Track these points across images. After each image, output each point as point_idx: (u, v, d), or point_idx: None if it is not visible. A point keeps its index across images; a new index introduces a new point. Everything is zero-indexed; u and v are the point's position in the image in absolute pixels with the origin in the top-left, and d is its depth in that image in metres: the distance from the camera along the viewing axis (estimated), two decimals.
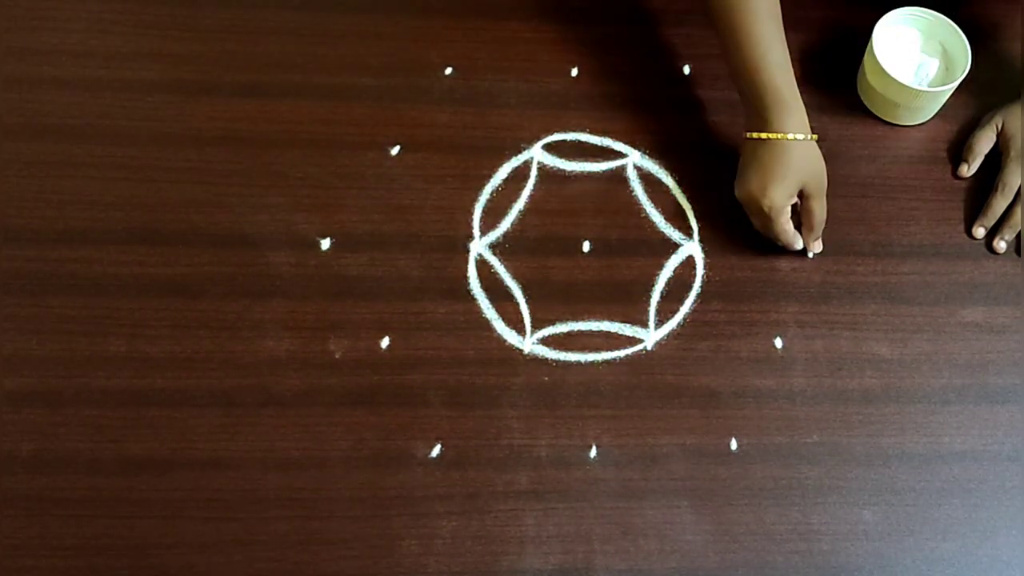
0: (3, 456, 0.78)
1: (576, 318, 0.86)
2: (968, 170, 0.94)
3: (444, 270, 0.87)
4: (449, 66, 0.96)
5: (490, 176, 0.92)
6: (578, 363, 0.85)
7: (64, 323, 0.82)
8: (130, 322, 0.83)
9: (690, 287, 0.88)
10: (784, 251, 0.90)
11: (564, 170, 0.93)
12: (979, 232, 0.92)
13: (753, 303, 0.88)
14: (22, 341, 0.82)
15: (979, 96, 0.97)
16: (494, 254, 0.88)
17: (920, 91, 0.92)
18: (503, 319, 0.86)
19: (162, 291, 0.84)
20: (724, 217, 0.91)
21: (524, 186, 0.91)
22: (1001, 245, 0.92)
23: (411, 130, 0.93)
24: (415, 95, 0.94)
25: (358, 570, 0.76)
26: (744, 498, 0.81)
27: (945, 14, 0.95)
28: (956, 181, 0.95)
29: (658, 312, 0.87)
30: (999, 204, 0.92)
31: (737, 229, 0.90)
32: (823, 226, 0.88)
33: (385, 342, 0.84)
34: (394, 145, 0.92)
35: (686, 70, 0.98)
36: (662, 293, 0.88)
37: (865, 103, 0.97)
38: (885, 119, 0.97)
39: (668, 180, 0.93)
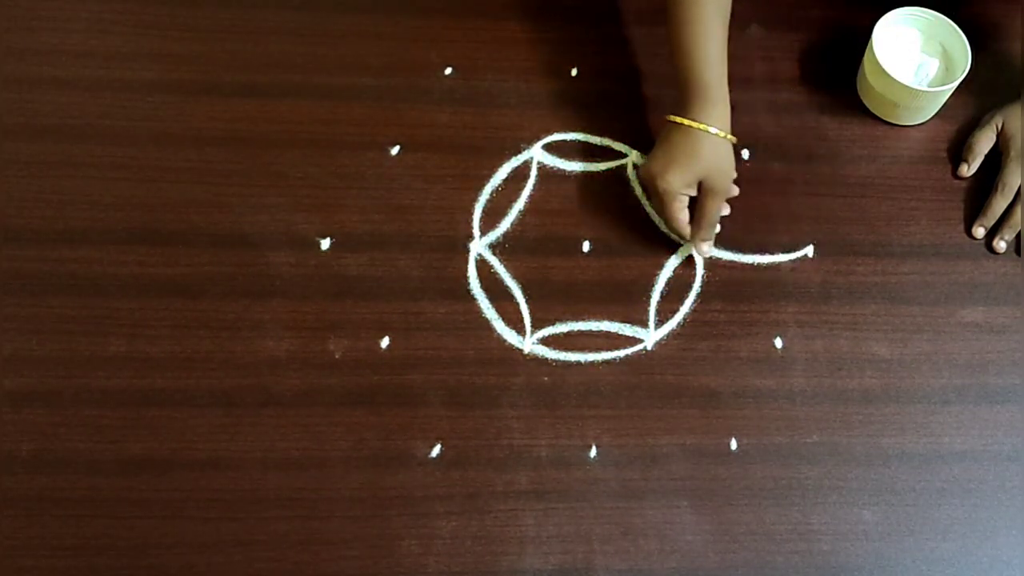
0: (3, 456, 0.78)
1: (576, 318, 0.86)
2: (968, 170, 0.94)
3: (444, 270, 0.87)
4: (449, 66, 0.96)
5: (490, 176, 0.92)
6: (578, 363, 0.85)
7: (64, 323, 0.82)
8: (130, 322, 0.83)
9: (690, 287, 0.88)
10: (784, 251, 0.90)
11: (564, 170, 0.93)
12: (979, 232, 0.92)
13: (753, 303, 0.88)
14: (22, 341, 0.82)
15: (979, 96, 0.97)
16: (494, 254, 0.88)
17: (920, 91, 0.92)
18: (503, 319, 0.86)
19: (162, 291, 0.84)
20: (724, 217, 0.91)
21: (524, 186, 0.91)
22: (1001, 245, 0.92)
23: (411, 130, 0.93)
24: (415, 95, 0.94)
25: (358, 570, 0.76)
26: (744, 498, 0.81)
27: (945, 14, 0.95)
28: (956, 181, 0.95)
29: (658, 312, 0.87)
30: (999, 204, 0.92)
31: (737, 229, 0.90)
32: (714, 228, 0.88)
33: (385, 342, 0.84)
34: (394, 145, 0.92)
35: None
36: (662, 293, 0.88)
37: (865, 103, 0.97)
38: (885, 119, 0.97)
39: None
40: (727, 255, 0.90)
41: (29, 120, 0.90)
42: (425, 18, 0.99)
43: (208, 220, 0.87)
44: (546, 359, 0.85)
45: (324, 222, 0.88)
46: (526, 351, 0.85)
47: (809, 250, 0.91)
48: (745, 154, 0.94)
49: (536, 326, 0.86)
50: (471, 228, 0.89)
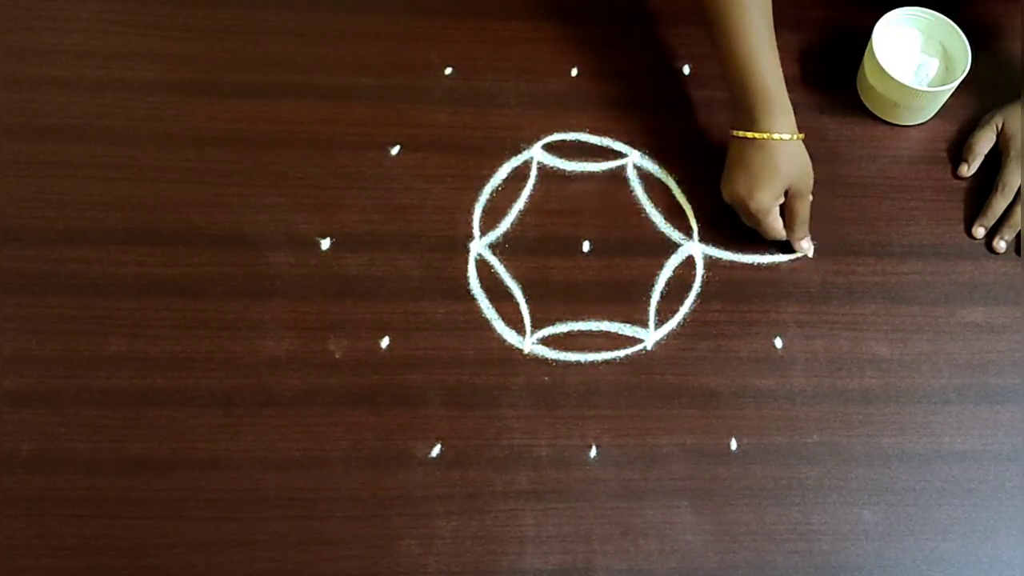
0: (3, 456, 0.78)
1: (576, 318, 0.86)
2: (968, 170, 0.94)
3: (444, 270, 0.87)
4: (449, 66, 0.96)
5: (490, 176, 0.92)
6: (578, 363, 0.85)
7: (64, 323, 0.82)
8: (130, 322, 0.83)
9: (690, 287, 0.88)
10: (784, 251, 0.90)
11: (564, 170, 0.93)
12: (979, 232, 0.92)
13: (753, 303, 0.88)
14: (22, 341, 0.82)
15: (979, 96, 0.97)
16: (494, 254, 0.88)
17: (920, 91, 0.92)
18: (503, 319, 0.86)
19: (162, 291, 0.84)
20: (724, 217, 0.91)
21: (524, 186, 0.91)
22: (1001, 245, 0.92)
23: (411, 130, 0.93)
24: (415, 95, 0.94)
25: (358, 570, 0.76)
26: (744, 498, 0.81)
27: (945, 14, 0.95)
28: (956, 181, 0.95)
29: (658, 312, 0.87)
30: (999, 204, 0.92)
31: (737, 229, 0.90)
32: (807, 225, 0.88)
33: (385, 342, 0.84)
34: (394, 145, 0.92)
35: (686, 70, 0.98)
36: (662, 293, 0.88)
37: (865, 103, 0.97)
38: (885, 119, 0.97)
39: (668, 180, 0.93)
40: (727, 255, 0.90)
41: (29, 120, 0.90)
42: (425, 18, 0.99)
43: (208, 220, 0.87)
44: (546, 359, 0.85)
45: (324, 222, 0.88)
46: (526, 351, 0.85)
47: (809, 250, 0.91)
48: None
49: (536, 326, 0.86)
50: (471, 228, 0.89)
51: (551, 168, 0.92)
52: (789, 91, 0.96)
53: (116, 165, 0.89)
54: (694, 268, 0.89)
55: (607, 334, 0.86)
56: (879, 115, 0.97)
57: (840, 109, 0.97)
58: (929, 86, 0.93)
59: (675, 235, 0.90)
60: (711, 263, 0.89)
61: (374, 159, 0.91)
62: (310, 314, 0.84)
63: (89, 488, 0.77)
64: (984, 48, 0.97)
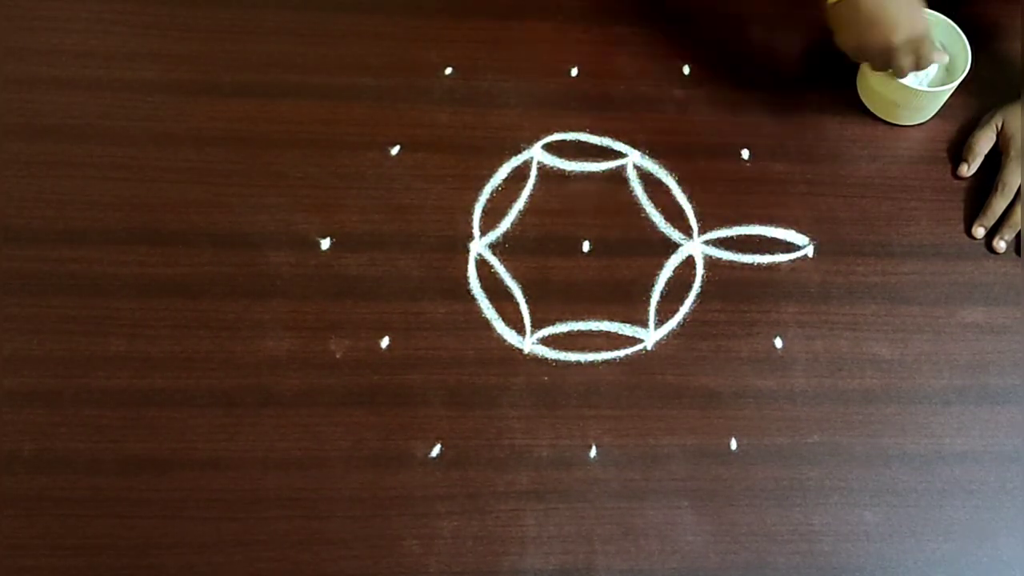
0: (3, 456, 0.78)
1: (576, 318, 0.86)
2: (968, 170, 0.94)
3: (444, 270, 0.87)
4: (449, 66, 0.96)
5: (490, 176, 0.91)
6: (578, 363, 0.85)
7: (64, 323, 0.82)
8: (130, 322, 0.83)
9: (690, 287, 0.88)
10: (784, 251, 0.90)
11: (564, 170, 0.92)
12: (979, 232, 0.92)
13: (753, 303, 0.88)
14: (22, 341, 0.82)
15: (979, 96, 0.97)
16: (494, 254, 0.88)
17: (920, 91, 0.92)
18: (503, 319, 0.86)
19: (162, 291, 0.84)
20: (724, 216, 0.91)
21: (524, 186, 0.91)
22: (1001, 245, 0.92)
23: (411, 130, 0.93)
24: (415, 95, 0.94)
25: (358, 570, 0.76)
26: (745, 498, 0.81)
27: (945, 14, 0.95)
28: (956, 181, 0.95)
29: (658, 312, 0.87)
30: (999, 204, 0.92)
31: (737, 229, 0.90)
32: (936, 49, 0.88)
33: (385, 342, 0.84)
34: (394, 145, 0.92)
35: (686, 70, 0.98)
36: (662, 293, 0.88)
37: (865, 103, 0.97)
38: (885, 119, 0.97)
39: (668, 180, 0.93)
40: (727, 255, 0.90)
41: (29, 120, 0.90)
42: (425, 18, 0.99)
43: (208, 220, 0.87)
44: (546, 359, 0.85)
45: (324, 222, 0.88)
46: (526, 351, 0.85)
47: (809, 250, 0.91)
48: (745, 154, 0.94)
49: (536, 326, 0.86)
50: (471, 228, 0.89)
51: (551, 168, 0.92)
52: (789, 91, 0.97)
53: (116, 165, 0.89)
54: (694, 268, 0.89)
55: (607, 334, 0.86)
56: (879, 115, 0.97)
57: (840, 109, 0.97)
58: (929, 86, 0.93)
59: (675, 235, 0.90)
60: (711, 263, 0.89)
61: (374, 159, 0.91)
62: (310, 314, 0.84)
63: (89, 488, 0.77)
64: (984, 48, 0.97)
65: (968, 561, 0.80)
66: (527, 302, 0.87)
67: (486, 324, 0.86)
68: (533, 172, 0.92)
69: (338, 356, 0.83)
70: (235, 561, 0.76)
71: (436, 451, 0.80)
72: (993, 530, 0.81)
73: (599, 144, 0.94)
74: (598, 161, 0.93)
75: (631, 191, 0.92)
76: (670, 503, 0.80)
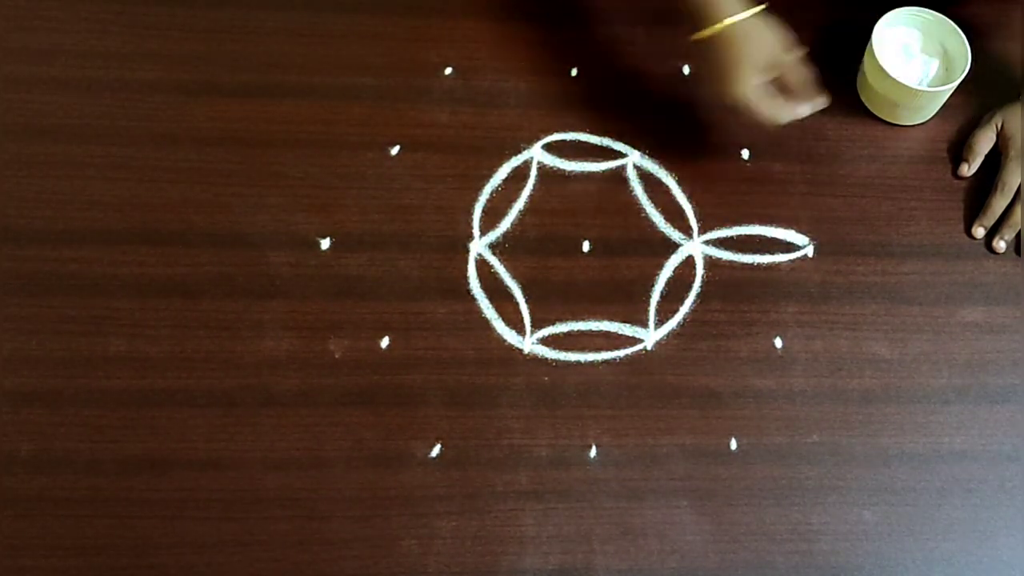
0: (3, 456, 0.78)
1: (576, 318, 0.86)
2: (968, 170, 0.94)
3: (444, 270, 0.87)
4: (449, 66, 0.96)
5: (490, 176, 0.91)
6: (578, 363, 0.85)
7: (64, 323, 0.82)
8: (130, 322, 0.83)
9: (690, 287, 0.88)
10: (784, 251, 0.90)
11: (564, 170, 0.93)
12: (979, 232, 0.92)
13: (753, 303, 0.88)
14: (22, 341, 0.82)
15: (979, 96, 0.97)
16: (494, 254, 0.88)
17: (920, 91, 0.92)
18: (503, 319, 0.86)
19: (162, 291, 0.84)
20: (724, 216, 0.91)
21: (524, 186, 0.91)
22: (1001, 245, 0.92)
23: (411, 130, 0.93)
24: (415, 95, 0.94)
25: (358, 570, 0.76)
26: (744, 498, 0.81)
27: (945, 14, 0.95)
28: (956, 181, 0.95)
29: (658, 312, 0.87)
30: (999, 204, 0.92)
31: (737, 229, 0.90)
32: (811, 85, 0.87)
33: (385, 342, 0.84)
34: (394, 145, 0.92)
35: (686, 70, 0.98)
36: (662, 293, 0.88)
37: (865, 103, 0.97)
38: (885, 119, 0.97)
39: (668, 180, 0.93)
40: (727, 255, 0.90)
41: (29, 120, 0.90)
42: (425, 18, 0.99)
43: (208, 220, 0.87)
44: (546, 359, 0.85)
45: (324, 222, 0.88)
46: (526, 351, 0.85)
47: (809, 250, 0.91)
48: (745, 154, 0.94)
49: (536, 326, 0.86)
50: (471, 228, 0.89)
51: (551, 168, 0.92)
52: None
53: (116, 165, 0.89)
54: (694, 268, 0.89)
55: (607, 334, 0.86)
56: (879, 115, 0.97)
57: (840, 109, 0.97)
58: (929, 86, 0.93)
59: (675, 235, 0.90)
60: (711, 263, 0.89)
61: (374, 159, 0.91)
62: (310, 314, 0.84)
63: (89, 488, 0.77)
64: (984, 48, 0.97)
65: (967, 560, 0.80)
66: (527, 302, 0.87)
67: (486, 324, 0.86)
68: (533, 172, 0.92)
69: (338, 356, 0.83)
70: (235, 561, 0.76)
71: (436, 451, 0.80)
72: (992, 529, 0.81)
73: (599, 144, 0.94)
74: (598, 161, 0.93)
75: (631, 191, 0.92)
76: (669, 503, 0.80)
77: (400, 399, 0.82)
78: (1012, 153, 0.93)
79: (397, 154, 0.92)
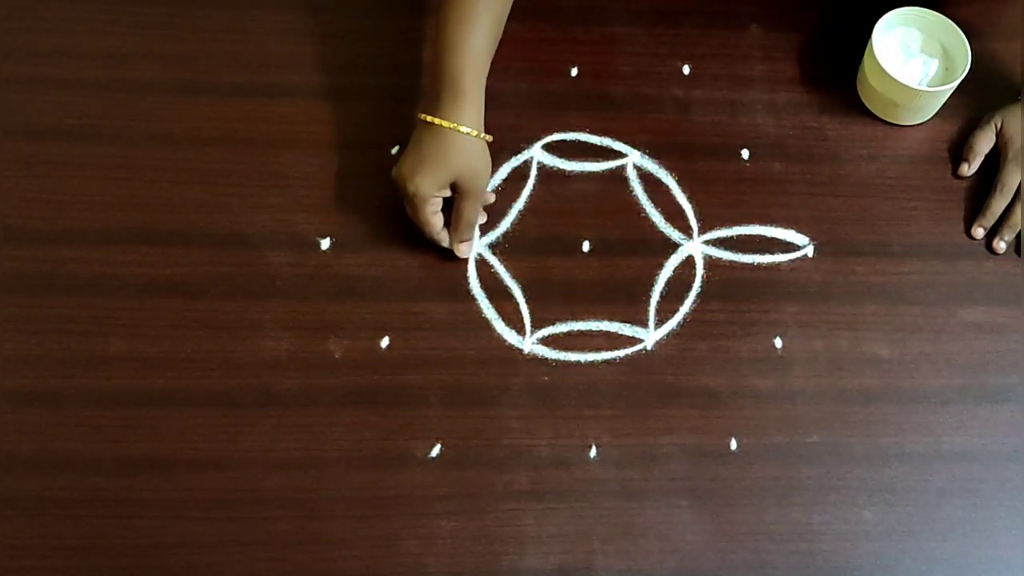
0: (3, 456, 0.78)
1: (576, 318, 0.86)
2: (969, 169, 0.94)
3: (444, 270, 0.87)
4: None
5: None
6: (578, 363, 0.85)
7: (63, 323, 0.82)
8: (129, 322, 0.83)
9: (690, 287, 0.88)
10: (784, 250, 0.90)
11: (564, 170, 0.93)
12: (978, 232, 0.92)
13: (753, 303, 0.88)
14: (22, 341, 0.82)
15: (979, 96, 0.97)
16: (494, 254, 0.88)
17: (920, 91, 0.92)
18: (503, 319, 0.86)
19: (162, 291, 0.84)
20: (724, 216, 0.91)
21: (524, 186, 0.91)
22: (1001, 245, 0.92)
23: (411, 130, 0.92)
24: (415, 95, 0.94)
25: (358, 570, 0.76)
26: (744, 498, 0.81)
27: (945, 14, 0.95)
28: (956, 181, 0.95)
29: (658, 312, 0.87)
30: (998, 204, 0.92)
31: (737, 229, 0.90)
32: (472, 229, 0.86)
33: (385, 342, 0.84)
34: (394, 145, 0.92)
35: (686, 70, 0.98)
36: (662, 293, 0.88)
37: (865, 103, 0.97)
38: (885, 119, 0.97)
39: (668, 180, 0.93)
40: (727, 255, 0.90)
41: (29, 120, 0.90)
42: (425, 18, 0.98)
43: (208, 220, 0.87)
44: (546, 359, 0.85)
45: (324, 222, 0.88)
46: (526, 351, 0.85)
47: (809, 250, 0.91)
48: (745, 154, 0.94)
49: (536, 326, 0.86)
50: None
51: (551, 168, 0.92)
52: (789, 91, 0.97)
53: (115, 165, 0.89)
54: (694, 268, 0.89)
55: (607, 334, 0.86)
56: (879, 115, 0.97)
57: (840, 109, 0.97)
58: (929, 86, 0.93)
59: (675, 235, 0.90)
60: (711, 263, 0.89)
61: (374, 159, 0.91)
62: (310, 314, 0.84)
63: (89, 488, 0.77)
64: (984, 48, 0.97)
65: (967, 560, 0.80)
66: (527, 302, 0.87)
67: (486, 324, 0.86)
68: (533, 172, 0.92)
69: (338, 356, 0.83)
70: (235, 561, 0.76)
71: (436, 451, 0.80)
72: (992, 529, 0.81)
73: (599, 144, 0.94)
74: (598, 161, 0.93)
75: (631, 191, 0.92)
76: (669, 503, 0.80)
77: (400, 399, 0.82)
78: (1011, 154, 0.93)
79: (397, 154, 0.92)
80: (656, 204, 0.92)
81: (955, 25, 0.94)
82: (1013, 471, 0.83)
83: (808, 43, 1.00)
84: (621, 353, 0.85)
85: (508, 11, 0.86)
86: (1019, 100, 0.94)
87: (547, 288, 0.87)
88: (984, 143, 0.94)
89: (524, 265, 0.88)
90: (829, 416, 0.84)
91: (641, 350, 0.86)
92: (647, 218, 0.91)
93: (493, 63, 0.95)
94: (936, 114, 0.96)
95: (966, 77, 0.91)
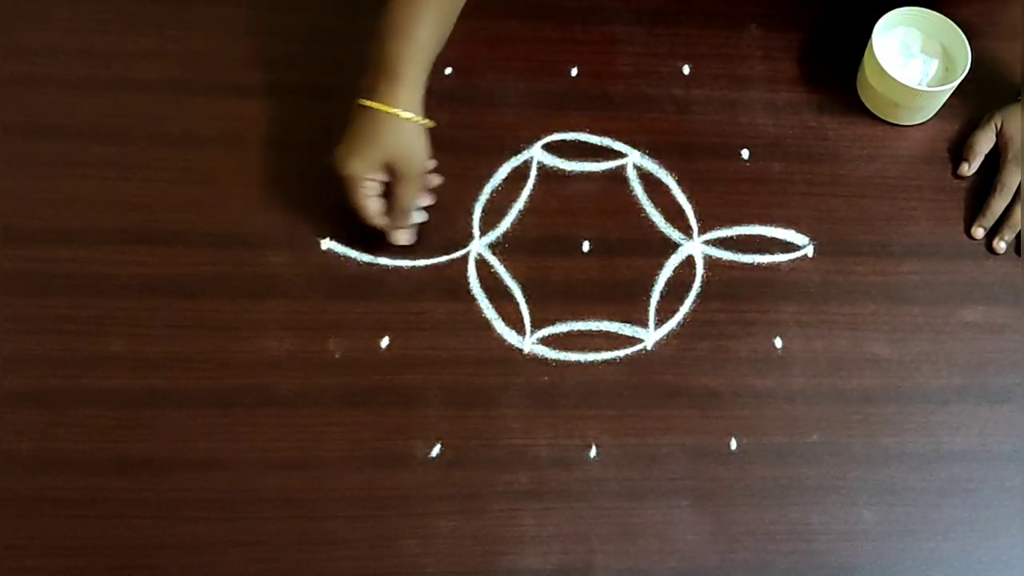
0: (2, 456, 0.78)
1: (576, 318, 0.86)
2: (969, 169, 0.94)
3: (444, 270, 0.87)
4: (449, 66, 0.96)
5: (490, 176, 0.91)
6: (578, 363, 0.85)
7: (62, 323, 0.82)
8: (129, 322, 0.83)
9: (690, 287, 0.88)
10: (784, 250, 0.90)
11: (564, 170, 0.92)
12: (978, 233, 0.92)
13: (753, 303, 0.88)
14: (22, 341, 0.82)
15: (979, 96, 0.97)
16: (494, 254, 0.88)
17: (920, 91, 0.92)
18: (503, 319, 0.86)
19: (161, 291, 0.84)
20: (725, 217, 0.91)
21: (524, 186, 0.91)
22: (1001, 245, 0.92)
23: None
24: None
25: (357, 570, 0.76)
26: (744, 498, 0.81)
27: (945, 14, 0.95)
28: (956, 181, 0.95)
29: (658, 312, 0.87)
30: (998, 204, 0.92)
31: (737, 229, 0.90)
32: (408, 215, 0.85)
33: (385, 342, 0.84)
34: None
35: (686, 70, 0.98)
36: (662, 293, 0.88)
37: (865, 103, 0.97)
38: (885, 119, 0.97)
39: (668, 180, 0.93)
40: (727, 255, 0.90)
41: (29, 120, 0.90)
42: None
43: (207, 220, 0.87)
44: (546, 359, 0.85)
45: (324, 222, 0.88)
46: (526, 351, 0.85)
47: (809, 250, 0.91)
48: (745, 154, 0.94)
49: (536, 326, 0.86)
50: (471, 228, 0.89)
51: (551, 168, 0.92)
52: (789, 91, 0.97)
53: (115, 165, 0.89)
54: (694, 268, 0.89)
55: (607, 334, 0.86)
56: (879, 115, 0.97)
57: (840, 109, 0.97)
58: (929, 86, 0.93)
59: (675, 235, 0.90)
60: (711, 263, 0.89)
61: None
62: (310, 314, 0.84)
63: (87, 488, 0.77)
64: (984, 48, 0.97)
65: (967, 560, 0.80)
66: (527, 302, 0.87)
67: (486, 324, 0.86)
68: (533, 172, 0.92)
69: (337, 356, 0.83)
70: (233, 561, 0.76)
71: (436, 451, 0.80)
72: (992, 529, 0.81)
73: (599, 144, 0.94)
74: (598, 161, 0.93)
75: (631, 191, 0.92)
76: (669, 502, 0.80)
77: (400, 399, 0.82)
78: (1011, 154, 0.93)
79: None
80: (656, 204, 0.92)
81: (955, 25, 0.94)
82: (1013, 471, 0.83)
83: (808, 43, 1.00)
84: (621, 353, 0.85)
85: (460, 9, 0.86)
86: (1019, 100, 0.94)
87: (547, 288, 0.87)
88: (984, 143, 0.94)
89: (524, 265, 0.88)
90: (829, 416, 0.84)
91: (641, 350, 0.86)
92: (647, 218, 0.91)
93: (492, 62, 0.95)
94: (936, 114, 0.96)
95: (966, 77, 0.91)
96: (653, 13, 1.01)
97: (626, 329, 0.86)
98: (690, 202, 0.92)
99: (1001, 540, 0.81)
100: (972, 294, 0.90)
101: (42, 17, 0.95)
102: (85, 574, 0.75)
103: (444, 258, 0.88)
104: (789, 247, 0.90)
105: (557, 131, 0.94)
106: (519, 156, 0.93)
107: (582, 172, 0.93)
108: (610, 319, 0.86)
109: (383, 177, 0.83)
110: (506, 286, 0.87)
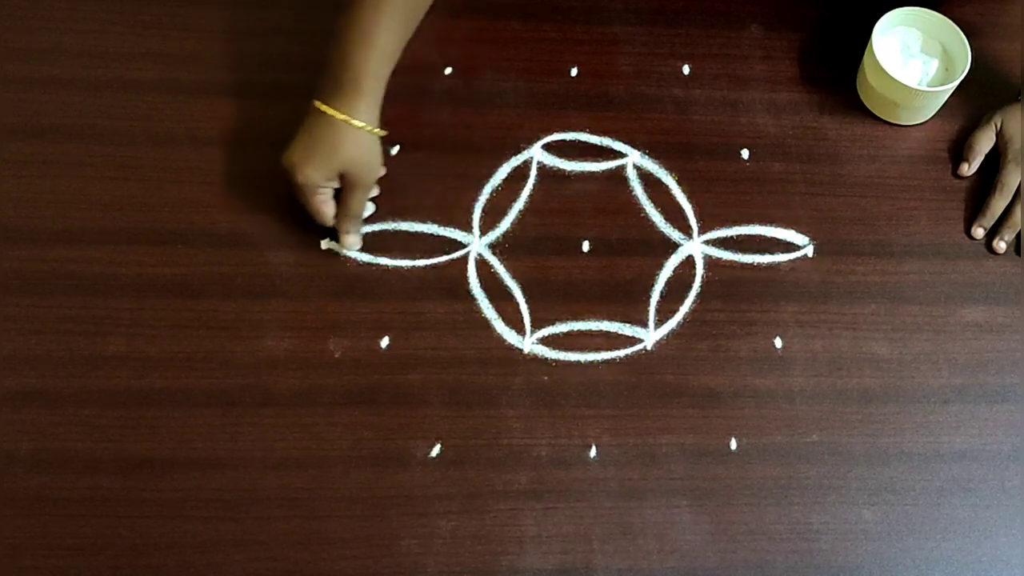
0: (3, 456, 0.78)
1: (576, 318, 0.86)
2: (969, 169, 0.94)
3: (444, 270, 0.87)
4: (449, 66, 0.96)
5: (490, 176, 0.91)
6: (578, 363, 0.85)
7: (64, 323, 0.82)
8: (129, 322, 0.83)
9: (690, 287, 0.88)
10: (784, 251, 0.90)
11: (564, 170, 0.93)
12: (978, 233, 0.92)
13: (753, 303, 0.88)
14: (22, 341, 0.82)
15: (979, 96, 0.97)
16: (494, 254, 0.88)
17: (920, 91, 0.92)
18: (503, 319, 0.86)
19: (161, 291, 0.84)
20: (724, 216, 0.91)
21: (524, 186, 0.91)
22: (1001, 245, 0.92)
23: (411, 130, 0.93)
24: (415, 95, 0.94)
25: (357, 570, 0.76)
26: (744, 498, 0.81)
27: (945, 14, 0.95)
28: (956, 181, 0.95)
29: (658, 312, 0.87)
30: (998, 204, 0.92)
31: (737, 229, 0.90)
32: (358, 221, 0.86)
33: (385, 342, 0.84)
34: (394, 145, 0.92)
35: (686, 70, 0.98)
36: (662, 293, 0.88)
37: (865, 103, 0.97)
38: (885, 119, 0.97)
39: (668, 180, 0.93)
40: (727, 255, 0.90)
41: (29, 120, 0.90)
42: (425, 18, 0.98)
43: (208, 220, 0.87)
44: (546, 359, 0.85)
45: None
46: (526, 351, 0.85)
47: (809, 250, 0.91)
48: (745, 154, 0.94)
49: (536, 326, 0.86)
50: (471, 228, 0.89)
51: (551, 168, 0.92)
52: (789, 91, 0.97)
53: (116, 165, 0.89)
54: (694, 268, 0.89)
55: (607, 334, 0.86)
56: (879, 115, 0.97)
57: (840, 109, 0.97)
58: (929, 86, 0.93)
59: (675, 235, 0.90)
60: (711, 263, 0.89)
61: None
62: (310, 314, 0.84)
63: (88, 488, 0.77)
64: (984, 48, 0.97)
65: (967, 560, 0.80)
66: (527, 302, 0.87)
67: (486, 324, 0.86)
68: (533, 172, 0.92)
69: (337, 356, 0.83)
70: (234, 561, 0.76)
71: (436, 451, 0.80)
72: (992, 529, 0.81)
73: (599, 144, 0.94)
74: (598, 161, 0.93)
75: (631, 191, 0.92)
76: (669, 502, 0.80)
77: (400, 399, 0.82)
78: (1011, 154, 0.93)
79: (397, 154, 0.92)
80: (656, 204, 0.92)
81: (955, 25, 0.94)
82: (1013, 471, 0.83)
83: (808, 43, 1.00)
84: (621, 353, 0.85)
85: (423, 13, 0.86)
86: (1019, 100, 0.94)
87: (547, 288, 0.87)
88: (984, 143, 0.94)
89: (524, 265, 0.88)
90: (829, 416, 0.84)
91: (641, 350, 0.86)
92: (647, 218, 0.91)
93: (492, 62, 0.96)
94: (936, 114, 0.97)
95: (966, 77, 0.91)
96: (653, 13, 1.01)
97: (626, 329, 0.86)
98: (690, 202, 0.92)
99: (1001, 540, 0.81)
100: (972, 294, 0.90)
101: (42, 18, 0.95)
102: (85, 574, 0.75)
103: (444, 258, 0.88)
104: (789, 247, 0.91)
105: (557, 131, 0.94)
106: (519, 156, 0.93)
107: (582, 172, 0.93)
108: (610, 319, 0.86)
109: (336, 185, 0.84)
110: (506, 286, 0.87)
